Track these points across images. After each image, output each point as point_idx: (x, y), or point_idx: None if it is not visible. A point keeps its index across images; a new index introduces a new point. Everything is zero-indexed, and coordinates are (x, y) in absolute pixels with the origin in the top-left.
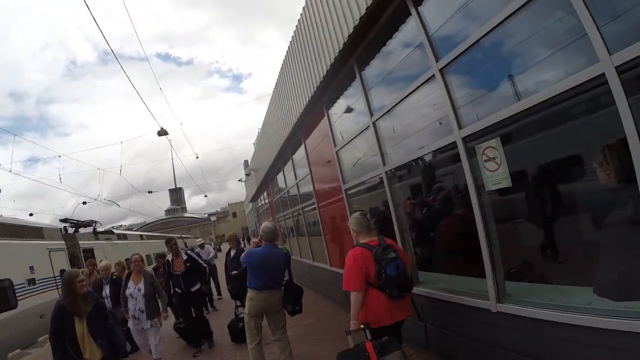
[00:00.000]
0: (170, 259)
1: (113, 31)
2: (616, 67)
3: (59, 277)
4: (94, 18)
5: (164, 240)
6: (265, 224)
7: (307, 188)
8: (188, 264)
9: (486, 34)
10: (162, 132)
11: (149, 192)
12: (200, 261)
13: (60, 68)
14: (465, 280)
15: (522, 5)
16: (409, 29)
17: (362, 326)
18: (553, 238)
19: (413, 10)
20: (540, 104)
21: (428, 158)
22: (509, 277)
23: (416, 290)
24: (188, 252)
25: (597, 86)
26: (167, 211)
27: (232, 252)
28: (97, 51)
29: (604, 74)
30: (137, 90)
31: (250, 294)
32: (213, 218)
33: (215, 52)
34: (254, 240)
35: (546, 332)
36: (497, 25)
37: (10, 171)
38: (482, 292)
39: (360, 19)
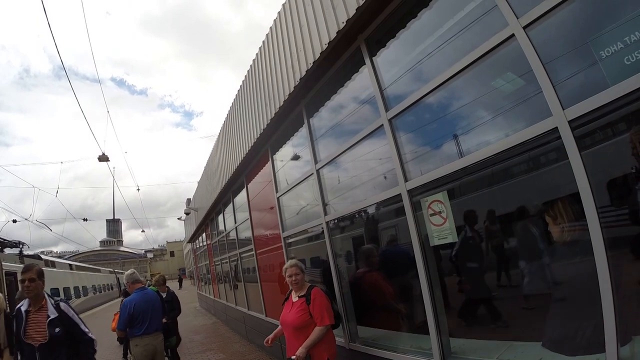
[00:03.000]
0: (23, 311)
1: (73, 46)
2: (569, 121)
3: None
4: (50, 29)
5: (96, 273)
6: (128, 272)
7: (246, 233)
8: (57, 330)
9: (437, 87)
10: (103, 158)
11: (84, 219)
12: (83, 327)
13: (12, 74)
14: (407, 337)
15: (473, 62)
16: (362, 78)
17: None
18: (499, 291)
19: (367, 60)
20: (492, 157)
21: (371, 210)
22: (454, 333)
23: (354, 346)
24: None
25: (549, 141)
26: (103, 242)
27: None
28: (52, 64)
29: (557, 128)
30: (82, 110)
31: (135, 340)
32: (150, 255)
33: (170, 86)
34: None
35: None
36: (448, 79)
37: None
38: (425, 350)
39: (313, 63)
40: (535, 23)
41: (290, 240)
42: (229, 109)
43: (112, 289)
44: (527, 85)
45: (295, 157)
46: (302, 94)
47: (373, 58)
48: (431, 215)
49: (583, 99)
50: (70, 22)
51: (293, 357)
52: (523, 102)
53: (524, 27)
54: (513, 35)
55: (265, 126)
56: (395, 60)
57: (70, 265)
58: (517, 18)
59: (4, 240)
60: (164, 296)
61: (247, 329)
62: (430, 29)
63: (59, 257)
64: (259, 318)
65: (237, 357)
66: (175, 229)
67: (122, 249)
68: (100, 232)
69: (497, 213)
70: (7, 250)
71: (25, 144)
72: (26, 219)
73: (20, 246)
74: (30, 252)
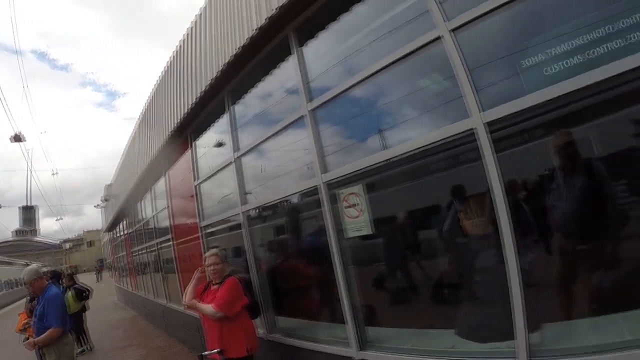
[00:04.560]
0: None
1: None
2: (486, 123)
3: None
4: None
5: (9, 267)
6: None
7: (165, 222)
8: None
9: (361, 80)
10: (18, 138)
11: None
12: None
13: None
14: (325, 326)
15: (399, 59)
16: (288, 68)
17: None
18: (414, 282)
19: (295, 50)
20: (407, 154)
21: (291, 201)
22: (369, 322)
23: (272, 337)
24: None
25: (468, 141)
26: (16, 232)
27: None
28: None
29: (474, 129)
30: None
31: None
32: (67, 245)
33: (96, 63)
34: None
35: None
36: (373, 74)
37: None
38: (342, 339)
39: (241, 47)
40: (463, 28)
41: (210, 230)
42: (151, 90)
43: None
44: (452, 87)
45: (218, 145)
46: (226, 80)
47: (300, 48)
48: (346, 207)
49: (501, 103)
50: None
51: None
52: (446, 102)
53: (452, 30)
54: (441, 37)
55: (188, 110)
56: (323, 53)
57: None
58: (446, 21)
59: None
60: None
61: (167, 323)
62: (362, 24)
63: None
64: (178, 311)
65: (158, 352)
66: (92, 217)
67: (37, 238)
68: (13, 221)
69: (411, 208)
70: None
71: None
72: None
73: None
74: None
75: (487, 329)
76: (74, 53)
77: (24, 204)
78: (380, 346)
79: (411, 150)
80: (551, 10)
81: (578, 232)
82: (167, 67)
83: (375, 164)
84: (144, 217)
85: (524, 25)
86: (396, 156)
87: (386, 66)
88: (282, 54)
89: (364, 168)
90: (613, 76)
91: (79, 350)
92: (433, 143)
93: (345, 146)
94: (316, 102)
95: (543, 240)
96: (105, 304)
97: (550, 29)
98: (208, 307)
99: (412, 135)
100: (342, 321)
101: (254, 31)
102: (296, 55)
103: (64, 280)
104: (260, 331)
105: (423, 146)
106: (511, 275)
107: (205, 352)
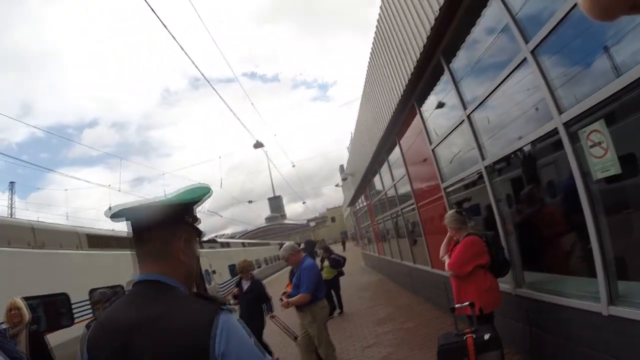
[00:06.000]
0: None
1: (200, 59)
2: None
3: None
4: (181, 47)
5: (266, 247)
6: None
7: (405, 189)
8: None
9: (575, 5)
10: (258, 145)
11: (249, 201)
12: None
13: (155, 97)
14: (573, 280)
15: None
16: (493, 13)
17: (467, 303)
18: None
19: None
20: None
21: (527, 149)
22: (621, 276)
23: (520, 292)
24: None
25: None
26: (267, 219)
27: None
28: (186, 78)
29: None
30: (230, 107)
31: (322, 303)
32: (312, 223)
33: (298, 66)
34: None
35: None
36: None
37: (119, 190)
38: (592, 294)
39: (440, 9)
40: None
41: (450, 190)
42: (365, 72)
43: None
44: None
45: (441, 105)
46: (435, 42)
47: None
48: (591, 147)
49: None
50: (189, 39)
51: (457, 305)
52: None
53: None
54: None
55: (406, 82)
56: None
57: (242, 243)
58: None
59: None
60: (244, 287)
61: (414, 283)
62: None
63: (231, 237)
64: (425, 270)
65: (405, 309)
66: (331, 196)
67: (286, 222)
68: (264, 210)
69: None
70: None
71: (183, 150)
72: (199, 211)
73: None
74: (206, 238)
75: None
76: (277, 65)
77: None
78: (631, 302)
79: None
80: None
81: None
82: (374, 46)
83: (619, 90)
84: (384, 187)
85: None
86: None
87: None
88: (483, 0)
89: (603, 100)
90: None
91: (337, 312)
92: None
93: (571, 77)
94: (535, 41)
95: None
96: (353, 269)
97: None
98: (446, 265)
99: None
100: (592, 275)
101: None
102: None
103: (319, 252)
104: (508, 286)
105: None
106: None
107: (457, 305)
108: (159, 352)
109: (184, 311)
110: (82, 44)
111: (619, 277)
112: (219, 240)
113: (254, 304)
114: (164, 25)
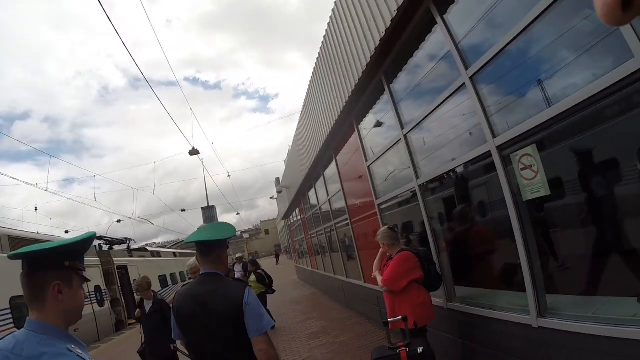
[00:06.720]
0: None
1: (143, 58)
2: None
3: (93, 294)
4: (125, 45)
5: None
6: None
7: (339, 204)
8: None
9: (514, 38)
10: (194, 152)
11: (182, 210)
12: None
13: (93, 94)
14: (504, 294)
15: (547, 7)
16: (436, 39)
17: (400, 317)
18: (595, 247)
19: (439, 19)
20: (576, 106)
21: (461, 170)
22: (550, 290)
23: (452, 305)
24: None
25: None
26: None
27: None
28: (127, 77)
29: None
30: (167, 111)
31: None
32: (245, 235)
33: (242, 75)
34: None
35: (589, 347)
36: (524, 29)
37: (46, 190)
38: (522, 307)
39: (385, 31)
40: None
41: (384, 206)
42: (307, 87)
43: None
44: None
45: (379, 124)
46: (379, 63)
47: (444, 16)
48: (522, 169)
49: None
50: (135, 36)
51: (390, 319)
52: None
53: None
54: None
55: (347, 99)
56: (467, 18)
57: (174, 253)
58: None
59: (113, 238)
60: (147, 306)
61: (347, 297)
62: None
63: (162, 247)
64: (357, 285)
65: (338, 323)
66: (266, 208)
67: None
68: (197, 220)
69: (586, 164)
70: (117, 247)
71: (117, 152)
72: (129, 218)
73: (128, 242)
74: (136, 246)
75: None
76: (220, 72)
77: (205, 205)
78: (559, 314)
79: (583, 100)
80: None
81: None
82: (317, 63)
83: (547, 120)
84: (319, 201)
85: None
86: (567, 110)
87: (538, 17)
88: (428, 26)
89: (535, 127)
90: None
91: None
92: (601, 91)
93: (506, 105)
94: (474, 68)
95: None
96: (287, 282)
97: None
98: (379, 281)
99: (574, 83)
100: (521, 289)
101: (394, 13)
102: (442, 24)
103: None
104: (440, 301)
105: (593, 95)
106: None
107: (391, 319)
108: (219, 307)
109: (230, 287)
110: (20, 25)
111: (547, 291)
112: (149, 249)
113: (162, 326)
114: (110, 21)
